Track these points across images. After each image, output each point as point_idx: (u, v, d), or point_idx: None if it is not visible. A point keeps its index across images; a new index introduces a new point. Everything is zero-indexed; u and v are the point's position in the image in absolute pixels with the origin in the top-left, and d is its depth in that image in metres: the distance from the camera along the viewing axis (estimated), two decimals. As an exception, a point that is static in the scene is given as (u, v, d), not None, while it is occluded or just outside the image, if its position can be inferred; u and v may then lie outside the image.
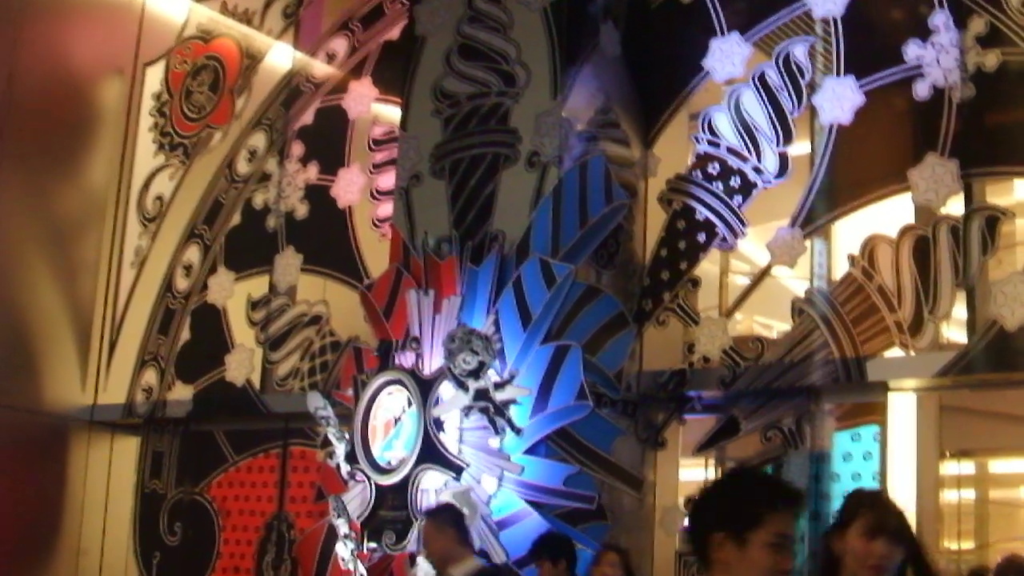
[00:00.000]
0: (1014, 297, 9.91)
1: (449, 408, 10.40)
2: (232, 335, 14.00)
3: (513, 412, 10.23)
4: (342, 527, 10.78)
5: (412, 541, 10.42)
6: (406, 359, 10.84)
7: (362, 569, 10.69)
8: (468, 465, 10.27)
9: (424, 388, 10.56)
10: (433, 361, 10.70)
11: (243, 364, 13.76)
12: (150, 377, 14.53)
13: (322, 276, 13.54)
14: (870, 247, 10.63)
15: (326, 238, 13.54)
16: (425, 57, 11.95)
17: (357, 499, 10.93)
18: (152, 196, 15.09)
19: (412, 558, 10.40)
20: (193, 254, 14.57)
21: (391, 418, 10.85)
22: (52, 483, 14.59)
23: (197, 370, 14.19)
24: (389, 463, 10.74)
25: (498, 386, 10.23)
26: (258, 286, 13.94)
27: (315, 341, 13.28)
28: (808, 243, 11.01)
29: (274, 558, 13.29)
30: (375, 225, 13.05)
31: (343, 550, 10.82)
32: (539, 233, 10.79)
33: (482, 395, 10.25)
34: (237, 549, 13.65)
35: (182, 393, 14.20)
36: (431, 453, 10.42)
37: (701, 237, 11.33)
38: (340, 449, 11.02)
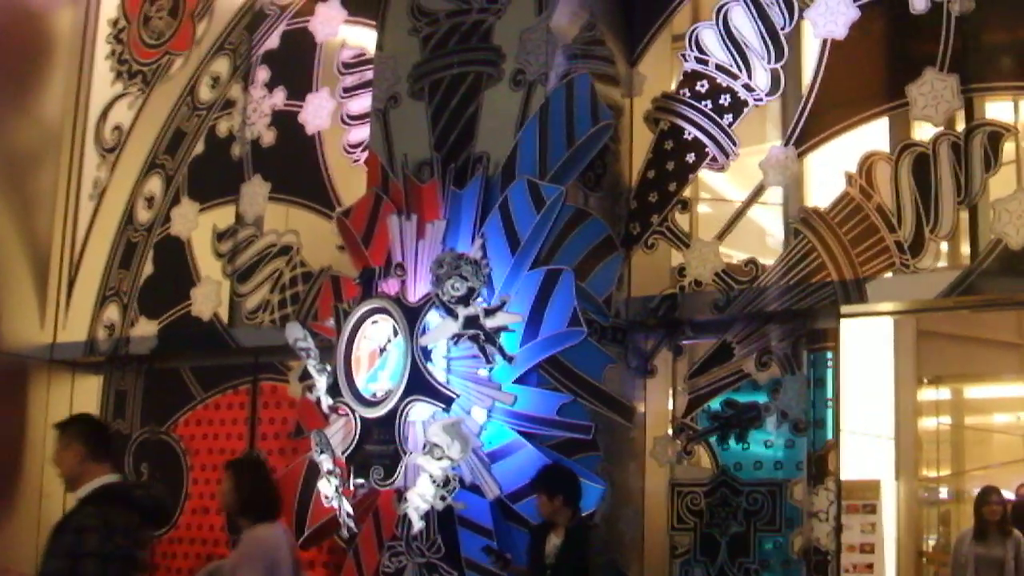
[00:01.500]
0: (1019, 215, 9.59)
1: (437, 336, 9.99)
2: (198, 268, 13.53)
3: (504, 340, 9.83)
4: (325, 463, 10.37)
5: (401, 476, 10.04)
6: (390, 286, 10.42)
7: (347, 506, 10.30)
8: (458, 396, 9.88)
9: (410, 316, 10.13)
10: (419, 288, 10.30)
11: (210, 297, 13.31)
12: (112, 313, 14.05)
13: (291, 205, 13.06)
14: (868, 164, 10.29)
15: (295, 166, 13.07)
16: (401, -27, 11.48)
17: (340, 434, 10.53)
18: (110, 126, 14.57)
19: (400, 494, 10.03)
20: (155, 185, 14.06)
21: (376, 348, 10.42)
22: (12, 424, 14.09)
23: (161, 305, 13.73)
24: (375, 395, 10.32)
25: (488, 312, 9.83)
26: (224, 216, 13.48)
27: (285, 272, 12.83)
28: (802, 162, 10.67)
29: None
30: (347, 151, 12.59)
31: (326, 487, 10.42)
32: (526, 154, 10.38)
33: (472, 322, 9.85)
34: (207, 488, 13.20)
35: (146, 329, 13.73)
36: (419, 384, 10.01)
37: (690, 157, 10.95)
38: (321, 382, 10.60)
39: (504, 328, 9.82)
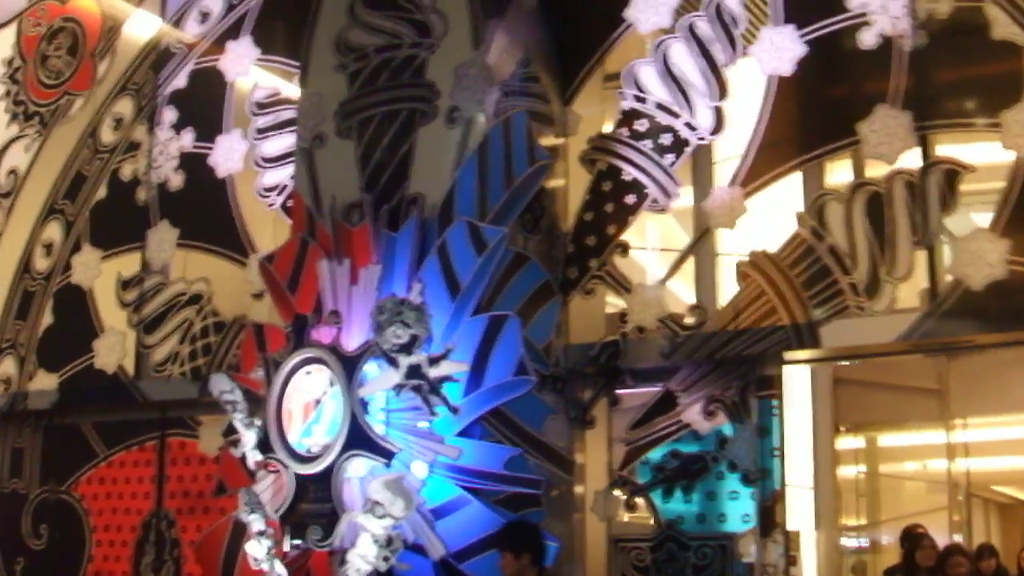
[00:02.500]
0: (979, 255, 9.31)
1: (377, 387, 9.43)
2: (101, 318, 12.85)
3: (446, 390, 9.31)
4: (256, 523, 9.72)
5: (340, 536, 9.44)
6: (324, 335, 9.83)
7: (280, 569, 9.66)
8: (400, 450, 9.32)
9: (348, 366, 9.54)
10: (355, 336, 9.72)
11: (114, 349, 12.65)
12: (8, 366, 13.31)
13: (201, 251, 12.42)
14: (819, 205, 9.96)
15: (205, 210, 12.49)
16: (325, 8, 10.96)
17: (269, 491, 9.90)
18: (5, 169, 13.86)
19: (339, 555, 9.42)
20: (54, 231, 13.37)
21: (310, 400, 9.82)
22: None
23: (62, 357, 13.02)
24: (309, 450, 9.70)
25: (432, 361, 9.29)
26: (129, 264, 12.83)
27: (196, 322, 12.20)
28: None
29: (154, 560, 12.19)
30: (261, 195, 12.03)
31: (256, 548, 9.76)
32: (464, 195, 9.92)
33: (415, 371, 9.30)
34: (111, 551, 12.51)
35: (45, 383, 13.00)
36: (358, 437, 9.40)
37: (630, 199, 10.56)
38: (249, 437, 9.96)
39: (448, 378, 9.29)
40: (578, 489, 10.40)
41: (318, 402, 9.77)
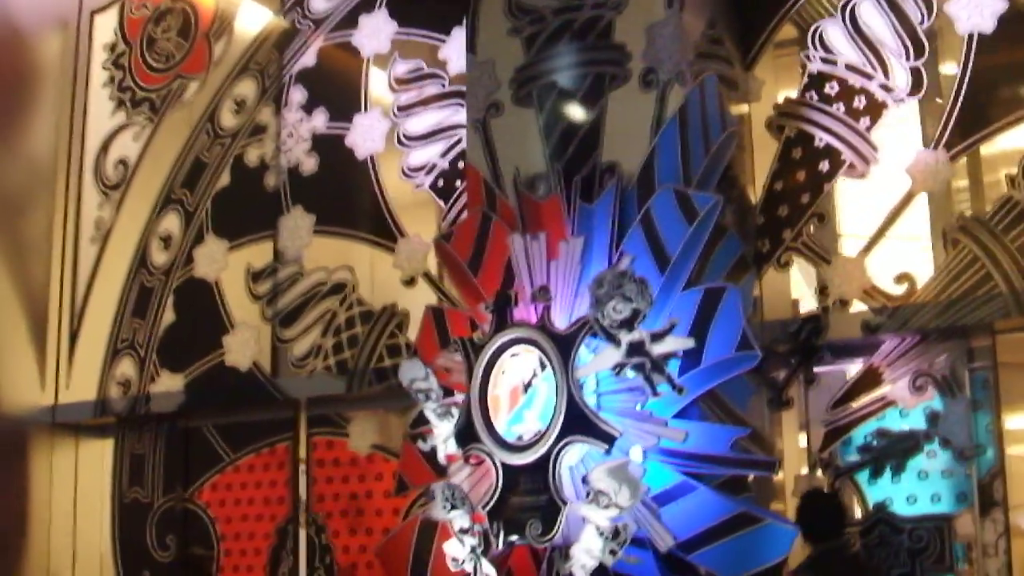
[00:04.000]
0: None
1: (597, 367, 8.80)
2: (230, 313, 12.13)
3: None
4: (457, 520, 9.05)
5: (561, 530, 8.79)
6: (529, 314, 9.19)
7: (489, 568, 8.99)
8: (621, 434, 8.68)
9: (562, 346, 8.92)
10: (560, 313, 9.09)
11: (247, 345, 11.91)
12: (126, 368, 12.56)
13: (340, 238, 11.75)
14: (1029, 164, 9.43)
15: (343, 194, 11.82)
16: (487, -30, 10.36)
17: (465, 485, 9.23)
18: (112, 160, 13.09)
19: (561, 550, 8.77)
20: (172, 223, 12.61)
21: (519, 384, 9.18)
22: (11, 497, 12.49)
23: (187, 356, 12.28)
24: (520, 438, 9.06)
25: (656, 337, 8.65)
26: (259, 254, 12.11)
27: (339, 313, 11.52)
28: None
29: (291, 568, 11.51)
30: (407, 175, 11.36)
31: (457, 548, 9.10)
32: (665, 162, 9.28)
33: (636, 349, 8.67)
34: (243, 560, 11.87)
35: (169, 384, 12.26)
36: (576, 423, 8.78)
37: (824, 166, 9.98)
38: (442, 428, 9.33)
39: (672, 355, 8.66)
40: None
41: (527, 386, 9.14)
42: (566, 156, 9.73)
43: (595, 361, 8.84)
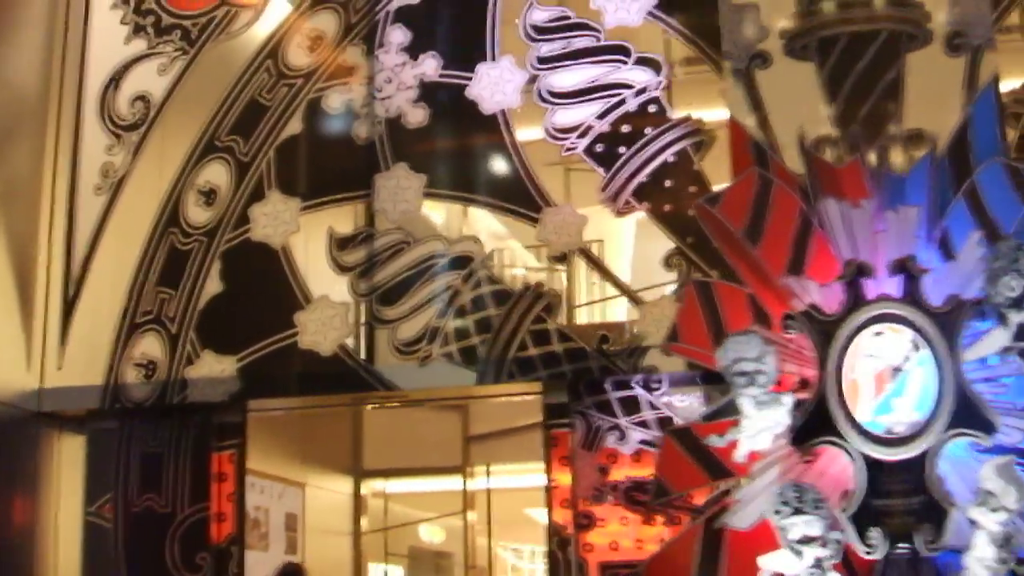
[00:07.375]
0: None
1: (986, 349, 7.68)
2: (304, 285, 10.07)
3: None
4: (799, 527, 7.55)
5: (950, 536, 7.51)
6: (893, 288, 7.89)
7: (836, 582, 7.59)
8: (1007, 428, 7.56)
9: (944, 325, 7.67)
10: (924, 289, 7.86)
11: (330, 324, 9.90)
12: (149, 346, 10.22)
13: (463, 203, 10.02)
14: None
15: (462, 153, 10.11)
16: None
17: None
18: (127, 96, 10.73)
19: (951, 560, 7.49)
20: (217, 174, 10.39)
21: (885, 368, 7.82)
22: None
23: (240, 336, 10.11)
24: (890, 430, 7.73)
25: (1044, 319, 7.61)
26: (342, 217, 10.18)
27: (463, 291, 9.75)
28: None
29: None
30: (555, 137, 9.79)
31: (787, 562, 7.60)
32: (982, 133, 8.45)
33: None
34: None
35: (215, 367, 10.04)
36: (965, 413, 7.58)
37: None
38: (759, 419, 7.85)
39: (1057, 340, 7.63)
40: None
41: (896, 370, 7.81)
42: (856, 119, 8.65)
43: (982, 343, 7.69)
